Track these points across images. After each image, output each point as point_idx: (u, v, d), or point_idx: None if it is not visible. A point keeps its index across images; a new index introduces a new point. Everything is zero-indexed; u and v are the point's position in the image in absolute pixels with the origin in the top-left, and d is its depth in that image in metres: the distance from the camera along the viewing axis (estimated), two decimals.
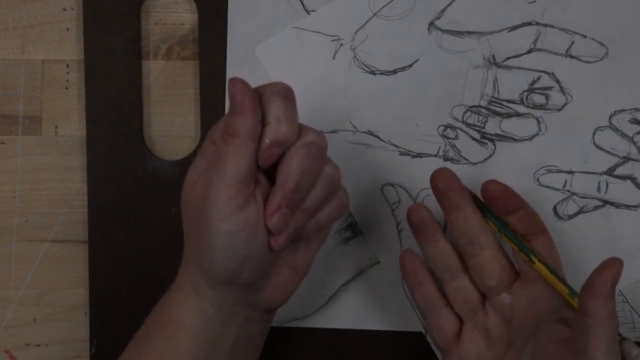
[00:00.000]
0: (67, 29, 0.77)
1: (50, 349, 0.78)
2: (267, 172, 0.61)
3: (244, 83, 0.58)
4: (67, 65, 0.77)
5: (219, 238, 0.58)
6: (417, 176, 0.75)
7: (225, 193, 0.58)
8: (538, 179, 0.75)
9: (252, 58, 0.75)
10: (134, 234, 0.76)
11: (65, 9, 0.77)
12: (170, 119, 0.77)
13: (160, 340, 0.63)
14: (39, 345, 0.78)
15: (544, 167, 0.75)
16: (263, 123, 0.59)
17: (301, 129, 0.60)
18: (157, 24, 0.77)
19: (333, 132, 0.75)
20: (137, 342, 0.65)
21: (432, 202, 0.75)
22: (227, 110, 0.70)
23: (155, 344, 0.63)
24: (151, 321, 0.65)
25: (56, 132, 0.77)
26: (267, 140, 0.58)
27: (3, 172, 0.77)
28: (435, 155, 0.75)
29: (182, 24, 0.77)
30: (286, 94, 0.60)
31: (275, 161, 0.60)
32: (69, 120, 0.77)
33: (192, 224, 0.62)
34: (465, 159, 0.75)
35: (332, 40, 0.75)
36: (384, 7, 0.75)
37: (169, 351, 0.63)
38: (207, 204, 0.58)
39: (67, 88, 0.77)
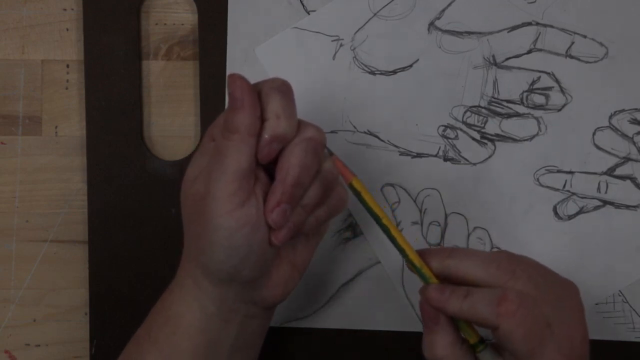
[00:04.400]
0: (67, 29, 0.77)
1: (50, 349, 0.78)
2: (267, 168, 0.61)
3: (243, 79, 0.58)
4: (67, 66, 0.77)
5: (220, 234, 0.58)
6: (417, 176, 0.75)
7: (226, 189, 0.58)
8: (538, 179, 0.75)
9: (252, 58, 0.75)
10: (134, 234, 0.76)
11: (65, 9, 0.77)
12: (170, 119, 0.77)
13: (160, 337, 0.63)
14: (39, 346, 0.78)
15: (544, 167, 0.75)
16: (262, 119, 0.59)
17: (300, 124, 0.60)
18: (157, 24, 0.77)
19: (333, 132, 0.75)
20: (138, 339, 0.65)
21: (432, 203, 0.75)
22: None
23: (156, 340, 0.63)
24: (152, 318, 0.65)
25: (56, 133, 0.77)
26: (266, 136, 0.58)
27: (3, 172, 0.77)
28: (435, 156, 0.75)
29: (182, 24, 0.77)
30: (285, 90, 0.60)
31: (274, 157, 0.60)
32: (69, 120, 0.77)
33: (192, 221, 0.61)
34: (465, 159, 0.75)
35: (332, 41, 0.75)
36: (384, 7, 0.75)
37: (170, 348, 0.63)
38: (207, 201, 0.58)
39: (67, 88, 0.77)
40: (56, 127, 0.77)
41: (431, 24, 0.75)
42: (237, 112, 0.58)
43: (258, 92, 0.59)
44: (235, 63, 0.75)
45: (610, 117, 0.74)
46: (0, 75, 0.77)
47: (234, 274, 0.60)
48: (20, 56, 0.77)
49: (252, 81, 0.60)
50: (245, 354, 0.66)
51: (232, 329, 0.64)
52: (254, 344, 0.67)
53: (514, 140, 0.75)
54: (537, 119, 0.75)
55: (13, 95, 0.77)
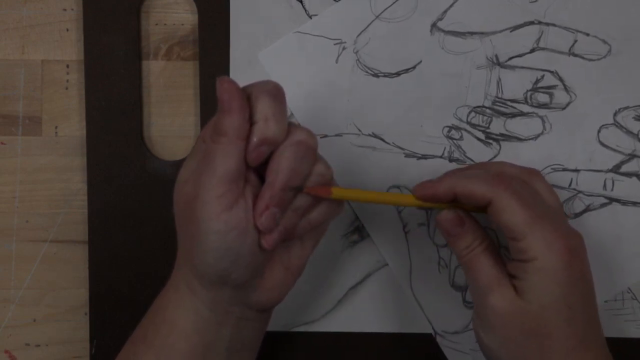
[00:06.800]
0: (67, 30, 0.77)
1: (50, 349, 0.78)
2: (258, 170, 0.61)
3: (231, 82, 0.57)
4: (67, 66, 0.77)
5: (209, 237, 0.58)
6: (423, 178, 0.74)
7: (214, 192, 0.57)
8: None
9: (255, 62, 0.75)
10: (134, 234, 0.76)
11: (65, 10, 0.77)
12: (170, 119, 0.77)
13: (156, 340, 0.63)
14: (39, 346, 0.77)
15: (549, 166, 0.74)
16: (251, 122, 0.58)
17: (290, 127, 0.60)
18: (157, 24, 0.76)
19: (338, 135, 0.75)
20: (134, 342, 0.65)
21: None
22: None
23: (151, 343, 0.63)
24: (147, 321, 0.65)
25: (56, 133, 0.77)
26: (255, 139, 0.58)
27: (3, 172, 0.77)
28: (441, 157, 0.75)
29: (182, 25, 0.76)
30: (275, 93, 0.59)
31: (264, 160, 0.59)
32: (69, 120, 0.77)
33: (184, 224, 0.61)
34: (471, 159, 0.74)
35: (335, 44, 0.75)
36: (386, 9, 0.75)
37: (165, 351, 0.62)
38: (196, 204, 0.58)
39: (67, 88, 0.77)
40: (56, 127, 0.77)
41: (433, 25, 0.74)
42: (225, 115, 0.57)
43: (248, 95, 0.59)
44: (238, 67, 0.75)
45: (615, 114, 0.74)
46: (0, 75, 0.77)
47: (223, 276, 0.60)
48: (20, 56, 0.77)
49: None
50: (242, 357, 0.66)
51: (227, 331, 0.63)
52: (251, 346, 0.66)
53: (519, 139, 0.74)
54: (541, 117, 0.74)
55: (13, 95, 0.77)
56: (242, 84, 0.59)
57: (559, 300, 0.60)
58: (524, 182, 0.65)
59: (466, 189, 0.63)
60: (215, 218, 0.57)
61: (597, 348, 0.63)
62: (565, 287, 0.61)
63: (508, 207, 0.61)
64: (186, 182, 0.61)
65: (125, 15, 0.75)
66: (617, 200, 0.74)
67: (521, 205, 0.61)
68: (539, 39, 0.74)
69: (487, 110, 0.74)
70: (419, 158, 0.75)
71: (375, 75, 0.75)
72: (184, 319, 0.62)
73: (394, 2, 0.75)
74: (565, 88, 0.74)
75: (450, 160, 0.75)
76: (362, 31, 0.75)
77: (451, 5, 0.75)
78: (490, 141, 0.74)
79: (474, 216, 0.66)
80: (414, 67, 0.75)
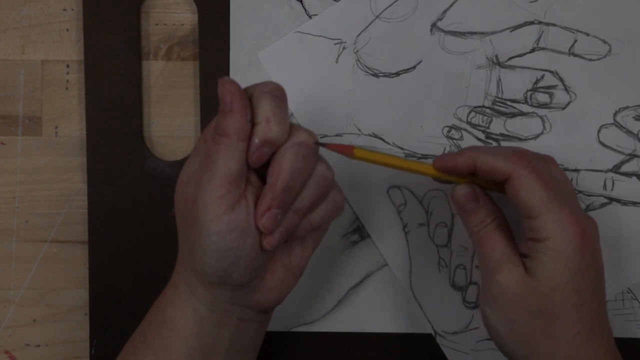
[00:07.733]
0: (67, 30, 0.76)
1: (50, 349, 0.77)
2: (260, 171, 0.61)
3: (233, 83, 0.57)
4: (67, 66, 0.76)
5: (209, 238, 0.58)
6: (423, 178, 0.74)
7: (215, 193, 0.57)
8: None
9: (255, 63, 0.75)
10: (134, 234, 0.76)
11: (65, 10, 0.76)
12: (170, 119, 0.77)
13: (155, 340, 0.63)
14: (39, 346, 0.77)
15: None
16: (253, 123, 0.58)
17: (292, 128, 0.60)
18: (157, 24, 0.76)
19: (338, 135, 0.75)
20: (134, 342, 0.65)
21: (438, 204, 0.75)
22: None
23: (151, 344, 0.63)
24: (147, 321, 0.65)
25: (56, 133, 0.77)
26: (256, 140, 0.58)
27: (3, 173, 0.77)
28: None
29: (182, 25, 0.76)
30: (276, 94, 0.59)
31: (266, 161, 0.59)
32: (69, 120, 0.77)
33: (184, 224, 0.61)
34: None
35: (335, 44, 0.75)
36: (386, 9, 0.74)
37: (164, 351, 0.63)
38: (197, 205, 0.58)
39: (67, 88, 0.77)
40: (56, 127, 0.77)
41: (433, 25, 0.74)
42: (227, 116, 0.57)
43: (249, 96, 0.59)
44: (239, 68, 0.75)
45: (615, 114, 0.74)
46: (0, 75, 0.77)
47: (224, 277, 0.60)
48: (20, 56, 0.77)
49: None
50: (242, 357, 0.66)
51: (226, 332, 0.63)
52: (251, 347, 0.66)
53: (519, 139, 0.74)
54: (541, 117, 0.74)
55: (13, 95, 0.77)
56: (242, 83, 0.58)
57: (569, 285, 0.60)
58: (544, 162, 0.65)
59: (487, 162, 0.63)
60: (216, 219, 0.57)
61: (603, 339, 0.63)
62: (576, 272, 0.61)
63: (526, 184, 0.62)
64: (187, 183, 0.61)
65: (125, 15, 0.75)
66: (617, 200, 0.74)
67: (539, 183, 0.61)
68: (539, 39, 0.74)
69: (487, 110, 0.74)
70: (419, 158, 0.75)
71: (375, 75, 0.75)
72: (184, 319, 0.62)
73: (394, 2, 0.75)
74: (565, 88, 0.74)
75: None
76: (362, 31, 0.75)
77: (451, 5, 0.74)
78: (491, 141, 0.74)
79: (489, 194, 0.66)
80: (414, 67, 0.75)
